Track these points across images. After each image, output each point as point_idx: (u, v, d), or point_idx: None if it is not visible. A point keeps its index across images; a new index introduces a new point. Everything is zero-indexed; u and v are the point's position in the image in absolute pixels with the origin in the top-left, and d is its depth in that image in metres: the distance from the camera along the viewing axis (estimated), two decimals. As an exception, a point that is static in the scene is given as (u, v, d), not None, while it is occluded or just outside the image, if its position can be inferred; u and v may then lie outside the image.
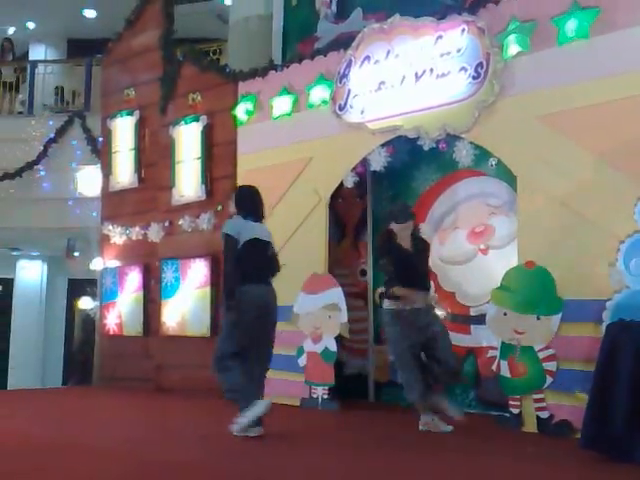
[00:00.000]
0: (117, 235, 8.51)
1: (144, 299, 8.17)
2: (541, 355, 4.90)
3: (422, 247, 5.08)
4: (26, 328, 13.10)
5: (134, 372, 8.03)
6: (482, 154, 5.69)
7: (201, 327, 7.43)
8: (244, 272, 4.57)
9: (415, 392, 4.88)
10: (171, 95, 8.15)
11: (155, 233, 8.10)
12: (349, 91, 6.31)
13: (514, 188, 5.46)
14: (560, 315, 4.84)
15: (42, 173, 10.36)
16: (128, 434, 4.92)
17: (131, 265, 8.33)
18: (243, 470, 3.69)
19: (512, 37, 5.36)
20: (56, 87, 12.01)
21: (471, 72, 5.53)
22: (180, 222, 7.79)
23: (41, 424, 5.13)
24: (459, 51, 5.62)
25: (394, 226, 4.96)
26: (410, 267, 4.89)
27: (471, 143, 5.60)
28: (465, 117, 5.53)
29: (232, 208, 4.86)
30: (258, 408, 4.40)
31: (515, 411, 5.03)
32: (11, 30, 14.18)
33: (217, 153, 7.62)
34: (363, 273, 6.98)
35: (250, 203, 4.84)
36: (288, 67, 6.98)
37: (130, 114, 8.56)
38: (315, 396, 6.21)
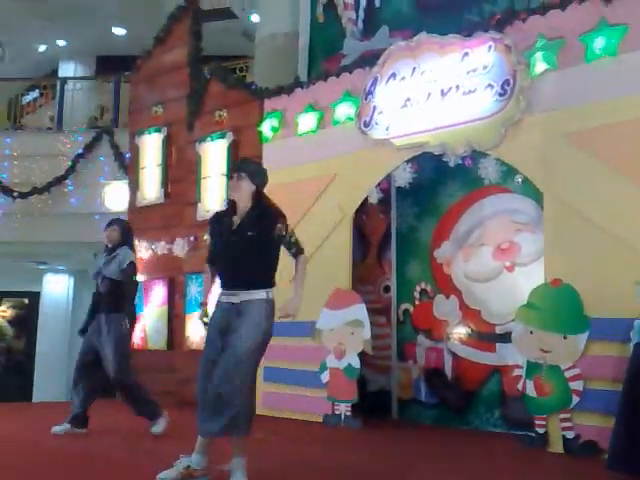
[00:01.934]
0: (143, 250, 8.57)
1: (168, 313, 8.22)
2: (567, 374, 4.83)
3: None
4: (52, 341, 13.21)
5: (157, 386, 8.03)
6: (508, 171, 5.67)
7: (224, 342, 7.43)
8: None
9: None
10: (198, 112, 8.24)
11: (180, 248, 8.16)
12: (374, 108, 6.33)
13: (540, 205, 5.42)
14: (587, 334, 4.77)
15: (70, 188, 10.50)
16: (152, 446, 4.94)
17: (156, 279, 8.39)
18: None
19: (539, 54, 5.35)
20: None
21: (497, 89, 5.52)
22: (205, 237, 7.82)
23: (70, 438, 5.16)
24: (485, 68, 5.62)
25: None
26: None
27: (497, 160, 5.58)
28: (491, 134, 5.52)
29: None
30: None
31: (541, 431, 4.96)
32: (42, 47, 14.48)
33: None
34: (387, 289, 6.96)
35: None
36: (314, 84, 7.02)
37: (158, 131, 8.66)
38: (338, 413, 6.18)
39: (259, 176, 3.85)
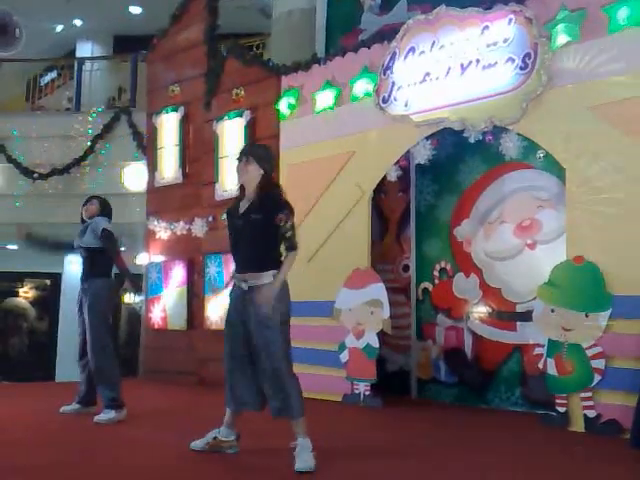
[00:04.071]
0: (162, 230, 8.58)
1: (188, 293, 8.23)
2: (589, 353, 4.77)
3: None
4: (73, 322, 13.26)
5: (178, 365, 8.10)
6: (530, 146, 5.57)
7: (244, 321, 7.44)
8: None
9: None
10: (215, 90, 8.18)
11: (199, 228, 8.14)
12: (393, 83, 6.23)
13: (563, 181, 5.32)
14: (609, 312, 4.71)
15: (88, 169, 10.52)
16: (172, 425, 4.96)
17: (175, 260, 8.39)
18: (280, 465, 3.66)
19: (561, 26, 5.23)
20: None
21: (518, 63, 5.40)
22: (224, 217, 7.77)
23: (86, 417, 5.20)
24: (506, 41, 5.50)
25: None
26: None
27: (518, 135, 5.48)
28: (512, 109, 5.41)
29: None
30: None
31: (562, 410, 4.91)
32: (59, 28, 14.47)
33: (260, 148, 7.59)
34: (406, 268, 6.90)
35: None
36: (331, 60, 6.92)
37: (175, 110, 8.61)
38: (357, 392, 6.17)
39: (267, 161, 3.90)
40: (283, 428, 3.77)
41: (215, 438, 3.92)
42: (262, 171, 3.84)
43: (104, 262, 5.38)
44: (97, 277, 5.34)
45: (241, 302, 3.78)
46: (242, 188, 3.92)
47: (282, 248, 3.83)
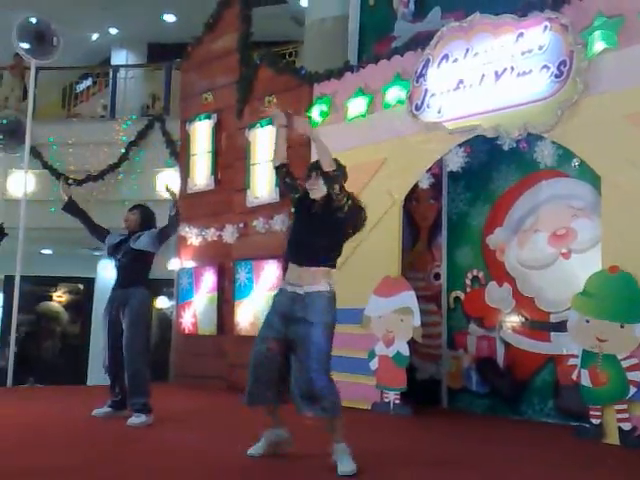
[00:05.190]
0: (193, 236, 8.64)
1: (218, 299, 8.27)
2: (624, 364, 4.69)
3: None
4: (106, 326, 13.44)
5: (208, 370, 8.13)
6: (565, 154, 5.50)
7: (274, 328, 7.44)
8: None
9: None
10: (247, 98, 8.23)
11: (230, 234, 8.18)
12: (426, 90, 6.21)
13: (598, 189, 5.25)
14: (646, 323, 4.62)
15: (122, 176, 10.65)
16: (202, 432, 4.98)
17: (206, 266, 8.44)
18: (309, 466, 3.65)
19: (597, 33, 5.17)
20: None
21: (554, 70, 5.35)
22: (254, 223, 7.84)
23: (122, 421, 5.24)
24: (541, 49, 5.45)
25: None
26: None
27: (553, 143, 5.42)
28: (547, 116, 5.35)
29: None
30: None
31: (596, 422, 4.82)
32: (94, 36, 14.70)
33: (291, 155, 7.53)
34: (437, 277, 6.85)
35: None
36: (364, 68, 6.93)
37: (208, 117, 8.68)
38: (387, 400, 6.13)
39: (338, 171, 3.86)
40: (316, 434, 3.76)
41: (271, 440, 3.93)
42: None
43: (147, 271, 5.41)
44: (141, 285, 5.35)
45: (290, 305, 3.79)
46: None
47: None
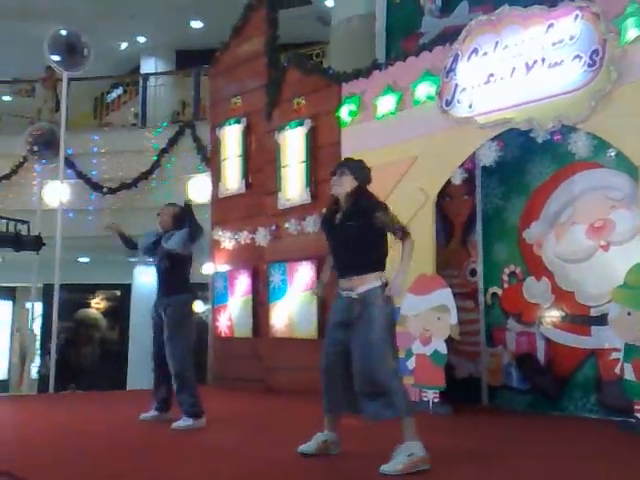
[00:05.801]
0: (226, 240, 8.68)
1: (253, 302, 8.29)
2: (670, 357, 4.59)
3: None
4: (143, 332, 13.57)
5: (245, 373, 8.16)
6: (600, 145, 5.41)
7: (309, 329, 7.45)
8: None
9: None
10: (276, 101, 8.24)
11: (262, 237, 8.20)
12: (456, 85, 6.15)
13: (635, 179, 5.15)
14: (690, 314, 4.52)
15: (155, 182, 10.76)
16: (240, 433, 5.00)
17: (240, 269, 8.47)
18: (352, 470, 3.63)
19: (630, 21, 5.08)
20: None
21: (586, 60, 5.26)
22: (286, 225, 7.85)
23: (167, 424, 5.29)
24: (572, 39, 5.37)
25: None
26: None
27: (588, 134, 5.33)
28: (581, 107, 5.27)
29: None
30: None
31: (641, 416, 4.74)
32: (123, 45, 14.88)
33: (321, 156, 7.63)
34: (473, 273, 6.78)
35: None
36: (392, 65, 6.89)
37: (237, 122, 8.70)
38: (426, 399, 6.08)
39: (361, 172, 4.02)
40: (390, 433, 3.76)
41: (325, 441, 3.98)
42: (356, 183, 3.95)
43: (185, 274, 5.43)
44: (181, 292, 5.37)
45: (347, 311, 3.87)
46: (336, 200, 4.04)
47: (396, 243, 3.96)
